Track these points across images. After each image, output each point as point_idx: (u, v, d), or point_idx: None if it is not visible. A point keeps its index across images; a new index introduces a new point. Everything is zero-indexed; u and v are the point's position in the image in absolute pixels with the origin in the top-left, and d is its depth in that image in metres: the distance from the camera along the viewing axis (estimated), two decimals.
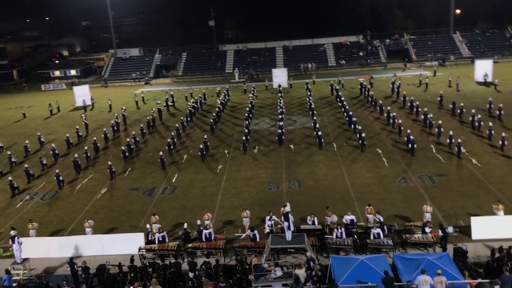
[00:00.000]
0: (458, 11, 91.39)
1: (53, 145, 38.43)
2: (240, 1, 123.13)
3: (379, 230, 21.11)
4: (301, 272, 18.17)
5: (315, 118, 41.51)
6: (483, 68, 55.80)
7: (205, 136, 38.12)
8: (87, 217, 25.35)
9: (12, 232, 21.96)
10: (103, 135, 41.23)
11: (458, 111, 41.38)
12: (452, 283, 16.48)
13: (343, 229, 21.37)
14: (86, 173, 34.19)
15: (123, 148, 36.74)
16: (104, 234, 23.93)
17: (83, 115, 48.61)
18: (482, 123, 37.09)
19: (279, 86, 56.91)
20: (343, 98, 47.94)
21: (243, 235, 22.66)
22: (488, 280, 16.88)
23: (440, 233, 20.57)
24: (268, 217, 22.69)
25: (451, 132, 34.05)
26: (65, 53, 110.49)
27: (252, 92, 55.55)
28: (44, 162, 35.64)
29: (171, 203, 28.04)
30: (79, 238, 23.18)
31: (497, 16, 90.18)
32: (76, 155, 35.15)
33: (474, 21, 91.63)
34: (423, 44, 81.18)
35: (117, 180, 32.52)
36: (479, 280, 16.89)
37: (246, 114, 44.18)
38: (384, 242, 20.77)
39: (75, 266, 20.11)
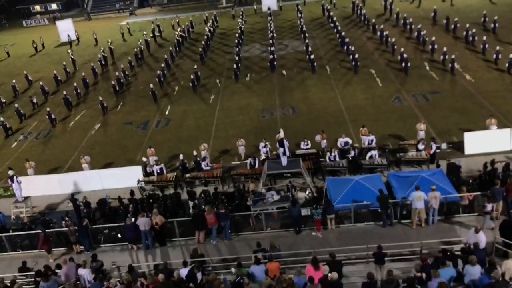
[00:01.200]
0: None
1: (41, 83, 37.70)
2: None
3: (375, 152, 21.32)
4: (302, 195, 18.50)
5: (307, 41, 40.63)
6: None
7: (195, 66, 37.42)
8: (83, 153, 25.45)
9: (10, 172, 22.08)
10: (91, 70, 40.41)
11: (452, 26, 40.50)
12: (445, 197, 16.91)
13: (336, 152, 21.55)
14: (78, 110, 33.88)
15: (113, 82, 36.13)
16: (102, 169, 24.11)
17: (69, 51, 47.32)
18: (476, 37, 36.43)
19: (269, 9, 55.13)
20: (335, 19, 46.64)
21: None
22: (480, 193, 17.31)
23: (433, 148, 20.84)
24: (262, 144, 22.81)
25: (444, 49, 33.51)
26: None
27: (240, 17, 53.86)
28: (35, 101, 35.17)
29: (166, 136, 28.06)
30: (78, 174, 23.37)
31: None
32: (65, 92, 34.62)
33: None
34: None
35: (110, 115, 32.31)
36: (475, 193, 17.31)
37: (236, 41, 43.14)
38: (378, 161, 21.07)
39: (77, 202, 20.43)
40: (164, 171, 22.58)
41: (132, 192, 20.11)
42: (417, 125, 23.25)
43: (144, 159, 23.76)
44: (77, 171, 24.05)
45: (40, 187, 22.84)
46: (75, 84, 36.70)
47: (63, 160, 26.57)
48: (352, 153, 21.58)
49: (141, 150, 26.26)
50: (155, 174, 22.38)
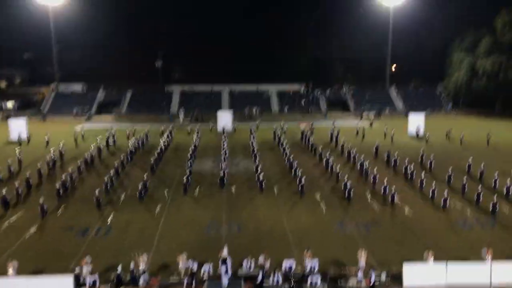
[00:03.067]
0: (393, 68, 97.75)
1: None
2: (188, 44, 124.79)
3: (317, 278, 21.31)
4: None
5: (257, 161, 42.08)
6: (416, 121, 59.33)
7: (145, 176, 37.46)
8: (11, 258, 23.84)
9: None
10: (37, 172, 39.48)
11: (393, 161, 43.39)
12: None
13: (278, 274, 21.38)
14: (15, 211, 32.34)
15: (57, 185, 35.27)
16: (30, 276, 22.50)
17: (17, 150, 46.44)
18: (414, 173, 39.05)
19: (223, 128, 57.44)
20: (284, 144, 49.02)
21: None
22: None
23: (372, 278, 21.09)
24: (206, 267, 22.35)
25: (385, 182, 35.52)
26: (3, 84, 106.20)
27: (196, 133, 55.63)
28: None
29: (105, 245, 26.97)
30: (1, 281, 21.64)
31: (428, 74, 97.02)
32: (4, 192, 33.27)
33: (408, 77, 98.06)
34: (361, 96, 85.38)
35: (49, 218, 31.00)
36: None
37: (189, 155, 44.04)
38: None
39: None
40: (97, 283, 21.37)
41: None
42: (358, 253, 23.69)
43: (77, 268, 22.51)
44: (1, 276, 22.30)
45: None
46: (16, 184, 35.50)
47: None
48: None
49: (76, 258, 24.94)
50: (87, 285, 21.11)
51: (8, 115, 71.43)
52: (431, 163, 42.17)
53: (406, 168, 40.22)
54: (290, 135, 58.46)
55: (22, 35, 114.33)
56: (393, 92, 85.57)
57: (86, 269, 22.52)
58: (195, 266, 22.06)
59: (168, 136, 54.23)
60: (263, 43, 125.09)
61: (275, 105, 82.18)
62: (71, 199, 34.95)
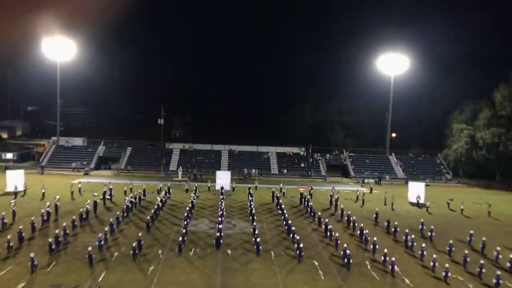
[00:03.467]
0: (394, 134, 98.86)
1: None
2: (191, 104, 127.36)
3: None
4: None
5: (254, 223, 41.40)
6: (416, 190, 59.06)
7: (140, 234, 36.69)
8: None
9: None
10: (30, 225, 38.74)
11: (393, 229, 42.71)
12: None
13: None
14: (5, 265, 31.35)
15: (50, 240, 34.44)
16: None
17: (12, 201, 45.83)
18: (415, 243, 38.31)
19: (222, 188, 57.10)
20: (283, 206, 48.47)
21: None
22: None
23: None
24: None
25: (385, 250, 34.74)
26: (5, 135, 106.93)
27: (194, 191, 55.19)
28: None
29: None
30: None
31: (428, 143, 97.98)
32: None
33: (408, 145, 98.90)
34: (361, 161, 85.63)
35: (38, 274, 29.99)
36: None
37: (186, 214, 43.40)
38: None
39: None
40: None
41: None
42: None
43: None
44: None
45: None
46: (8, 236, 34.66)
47: None
48: None
49: None
50: None
51: (6, 166, 71.23)
52: (431, 232, 41.50)
53: (406, 237, 39.52)
54: (289, 197, 57.98)
55: (28, 88, 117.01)
56: (393, 159, 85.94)
57: None
58: None
59: (165, 193, 53.76)
60: (264, 105, 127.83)
61: (274, 166, 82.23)
62: (63, 254, 34.02)
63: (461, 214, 52.75)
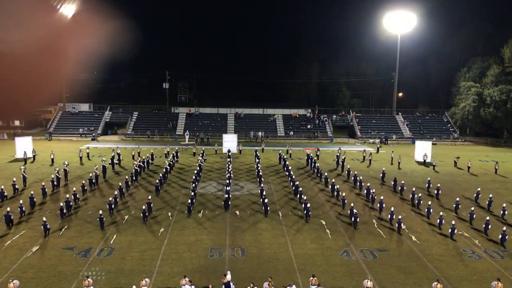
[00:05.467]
0: (400, 94, 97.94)
1: None
2: (196, 66, 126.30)
3: None
4: None
5: (262, 185, 41.75)
6: (423, 148, 59.03)
7: (149, 197, 37.22)
8: (13, 277, 23.50)
9: None
10: (41, 190, 39.36)
11: (399, 188, 42.97)
12: None
13: None
14: (18, 229, 32.07)
15: (61, 204, 35.06)
16: None
17: (22, 167, 46.42)
18: (421, 201, 38.60)
19: (229, 151, 57.36)
20: (290, 168, 48.76)
21: None
22: None
23: None
24: None
25: (392, 208, 35.08)
26: None
27: (201, 155, 55.53)
28: None
29: (107, 266, 26.58)
30: None
31: (435, 101, 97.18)
32: (9, 209, 33.09)
33: (415, 104, 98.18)
34: (368, 122, 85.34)
35: (51, 238, 30.69)
36: None
37: (194, 177, 43.82)
38: None
39: None
40: None
41: None
42: (364, 281, 23.21)
43: None
44: None
45: None
46: (20, 201, 35.32)
47: None
48: None
49: (77, 279, 24.57)
50: None
51: (15, 132, 71.80)
52: (438, 190, 41.72)
53: (412, 195, 39.80)
54: (296, 159, 58.24)
55: None
56: (400, 118, 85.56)
57: None
58: None
59: (173, 157, 54.13)
60: (270, 67, 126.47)
61: (281, 129, 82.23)
62: (74, 218, 34.69)
63: (467, 172, 52.87)
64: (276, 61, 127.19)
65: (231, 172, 46.46)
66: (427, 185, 44.11)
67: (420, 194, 39.65)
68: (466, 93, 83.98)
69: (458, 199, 38.40)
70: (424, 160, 57.65)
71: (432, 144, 62.14)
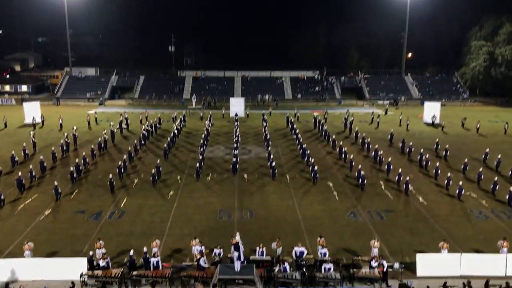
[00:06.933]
0: (409, 54, 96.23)
1: None
2: (201, 29, 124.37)
3: (330, 265, 21.24)
4: None
5: (269, 148, 41.88)
6: (432, 110, 58.54)
7: (158, 161, 37.52)
8: (27, 240, 24.08)
9: None
10: (51, 154, 39.77)
11: (407, 149, 42.87)
12: None
13: (287, 264, 21.29)
14: (30, 193, 32.65)
15: (71, 168, 35.48)
16: (45, 258, 22.71)
17: (31, 133, 46.77)
18: (429, 162, 38.56)
19: (236, 115, 57.25)
20: (297, 131, 48.68)
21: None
22: None
23: (385, 266, 20.96)
24: (217, 251, 22.34)
25: (400, 170, 35.12)
26: (18, 68, 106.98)
27: (208, 119, 55.51)
28: None
29: (118, 229, 27.11)
30: (17, 261, 21.86)
31: (445, 62, 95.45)
32: (20, 174, 33.58)
33: (425, 65, 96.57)
34: (376, 83, 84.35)
35: (63, 201, 31.23)
36: None
37: (201, 141, 43.97)
38: (332, 276, 20.85)
39: None
40: (110, 266, 21.51)
41: (73, 285, 18.87)
42: (371, 242, 23.50)
43: (90, 252, 22.65)
44: (18, 257, 22.58)
45: None
46: (31, 166, 35.77)
47: (4, 244, 24.95)
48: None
49: (89, 241, 25.13)
50: (100, 268, 21.25)
51: (23, 98, 72.00)
52: (446, 152, 41.57)
53: (421, 157, 39.73)
54: (303, 122, 58.07)
55: (36, 20, 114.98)
56: (409, 79, 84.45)
57: (99, 252, 22.68)
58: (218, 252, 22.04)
59: (180, 121, 54.18)
60: (277, 29, 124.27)
61: (288, 91, 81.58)
62: (85, 182, 35.16)
63: (476, 133, 52.51)
64: (282, 22, 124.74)
65: (239, 136, 46.50)
66: (435, 146, 43.93)
67: (428, 156, 39.57)
68: (477, 53, 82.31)
69: (466, 160, 38.29)
70: (433, 122, 57.25)
71: (441, 105, 61.52)
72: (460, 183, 32.55)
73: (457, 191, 31.94)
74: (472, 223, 28.24)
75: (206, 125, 51.56)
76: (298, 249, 22.40)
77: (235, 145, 42.54)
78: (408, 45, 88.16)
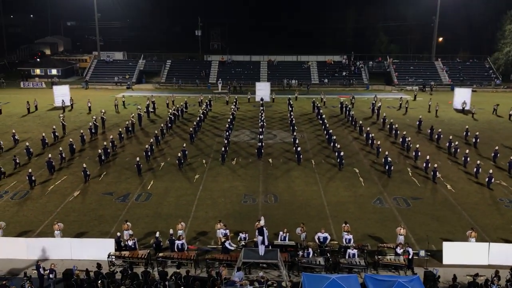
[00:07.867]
0: (440, 39, 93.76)
1: (27, 143, 37.62)
2: (228, 13, 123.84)
3: (355, 251, 21.18)
4: None
5: (295, 133, 41.67)
6: (462, 96, 57.09)
7: (184, 145, 37.84)
8: (57, 220, 24.74)
9: None
10: (80, 137, 40.58)
11: (436, 136, 42.06)
12: None
13: (310, 249, 21.28)
14: (60, 175, 33.46)
15: (99, 151, 36.17)
16: (74, 238, 23.32)
17: (61, 115, 47.74)
18: (458, 149, 37.77)
19: (262, 99, 57.09)
20: (324, 116, 48.26)
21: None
22: None
23: (410, 253, 20.78)
24: (242, 235, 22.47)
25: (428, 157, 34.50)
26: (48, 52, 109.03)
27: (234, 103, 55.52)
28: (17, 160, 34.80)
29: (144, 211, 27.58)
30: (48, 241, 22.53)
31: (477, 47, 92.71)
32: (50, 156, 34.43)
33: (456, 49, 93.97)
34: (405, 68, 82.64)
35: (91, 183, 31.91)
36: None
37: (227, 125, 44.08)
38: (356, 262, 20.78)
39: (41, 270, 19.49)
40: (137, 247, 21.94)
41: (99, 265, 19.35)
42: (397, 229, 23.27)
43: (118, 233, 23.13)
44: (48, 237, 23.26)
45: (6, 250, 21.87)
46: (60, 148, 36.58)
47: (35, 224, 25.74)
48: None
49: (117, 222, 25.65)
50: (127, 249, 21.70)
51: (53, 81, 73.35)
52: (476, 139, 40.60)
53: (449, 144, 38.92)
54: (330, 107, 57.52)
55: (65, 4, 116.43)
56: (439, 64, 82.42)
57: (126, 233, 23.14)
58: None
59: (206, 106, 54.36)
60: (304, 12, 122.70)
61: (315, 76, 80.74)
62: (112, 165, 35.79)
63: (508, 120, 51.04)
64: (310, 5, 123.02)
65: (264, 120, 46.43)
66: (465, 133, 42.93)
67: (457, 143, 38.73)
68: (511, 38, 79.59)
69: (497, 147, 37.33)
70: (463, 108, 55.87)
71: (472, 91, 59.89)
72: (490, 171, 31.77)
73: (487, 179, 31.24)
74: (501, 212, 27.62)
75: (232, 109, 51.61)
76: (321, 234, 22.35)
77: (260, 129, 42.50)
78: (439, 30, 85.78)
